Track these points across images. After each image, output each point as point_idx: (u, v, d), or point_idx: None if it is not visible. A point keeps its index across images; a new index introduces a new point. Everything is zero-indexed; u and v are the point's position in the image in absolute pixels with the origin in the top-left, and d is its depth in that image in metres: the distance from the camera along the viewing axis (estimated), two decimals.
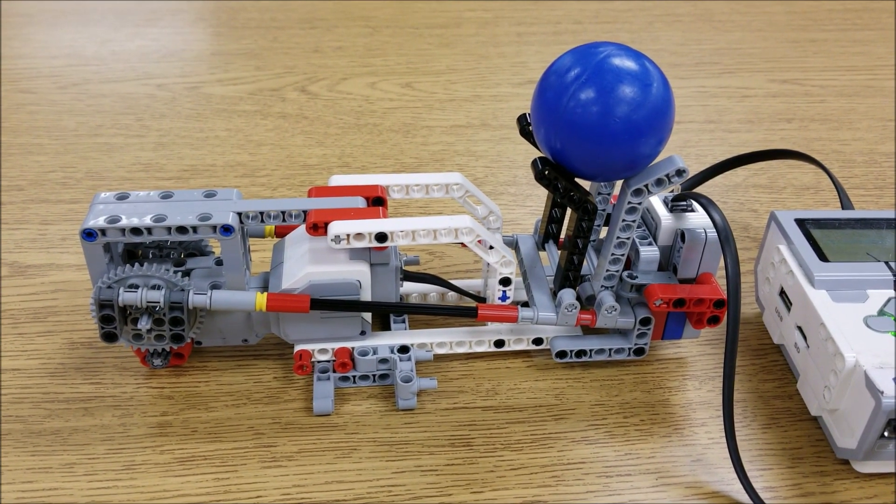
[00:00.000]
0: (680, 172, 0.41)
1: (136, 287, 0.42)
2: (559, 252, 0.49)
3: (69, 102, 0.76)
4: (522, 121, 0.46)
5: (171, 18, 0.95)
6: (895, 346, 0.40)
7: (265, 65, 0.84)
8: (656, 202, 0.46)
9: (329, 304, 0.43)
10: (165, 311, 0.43)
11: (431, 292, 0.52)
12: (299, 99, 0.78)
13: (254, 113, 0.75)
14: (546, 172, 0.42)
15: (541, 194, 0.64)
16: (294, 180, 0.66)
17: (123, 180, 0.65)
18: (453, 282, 0.51)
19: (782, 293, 0.47)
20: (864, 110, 0.77)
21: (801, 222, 0.48)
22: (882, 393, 0.38)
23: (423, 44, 0.90)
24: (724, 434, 0.41)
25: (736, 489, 0.41)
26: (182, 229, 0.42)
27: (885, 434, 0.39)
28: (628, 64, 0.39)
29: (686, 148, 0.70)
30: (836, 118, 0.76)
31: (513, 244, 0.51)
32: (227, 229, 0.42)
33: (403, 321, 0.50)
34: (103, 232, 0.42)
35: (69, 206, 0.62)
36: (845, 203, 0.54)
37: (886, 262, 0.45)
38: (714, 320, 0.45)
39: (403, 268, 0.51)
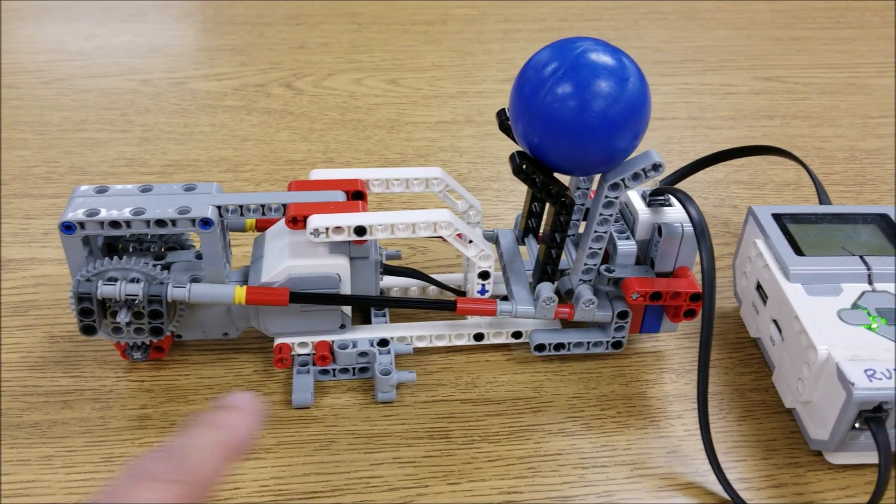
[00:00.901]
0: (656, 167, 0.41)
1: (115, 280, 0.42)
2: (538, 246, 0.49)
3: (53, 97, 0.76)
4: (501, 115, 0.46)
5: (157, 14, 0.95)
6: (867, 339, 0.41)
7: (251, 60, 0.84)
8: (634, 197, 0.47)
9: (308, 298, 0.43)
10: (144, 305, 0.43)
11: (413, 286, 0.52)
12: (284, 95, 0.78)
13: (238, 108, 0.75)
14: (524, 167, 0.42)
15: (523, 189, 0.64)
16: (278, 175, 0.66)
17: (107, 175, 0.65)
18: (434, 276, 0.52)
19: (759, 287, 0.47)
20: (846, 108, 0.78)
21: (777, 217, 0.48)
22: (853, 385, 0.38)
23: (409, 40, 0.90)
24: (699, 426, 0.42)
25: (710, 480, 0.41)
26: (161, 222, 0.42)
27: (857, 425, 0.40)
28: (605, 59, 0.40)
29: (669, 144, 0.70)
30: (818, 115, 0.76)
31: (493, 239, 0.51)
32: (206, 222, 0.42)
33: (384, 315, 0.50)
34: (82, 225, 0.42)
35: (52, 200, 0.62)
36: (823, 198, 0.54)
37: (861, 257, 0.46)
38: (690, 314, 0.45)
39: (384, 262, 0.51)
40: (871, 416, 0.39)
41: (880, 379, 0.39)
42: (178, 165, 0.66)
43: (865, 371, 0.39)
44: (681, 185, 0.63)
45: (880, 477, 0.38)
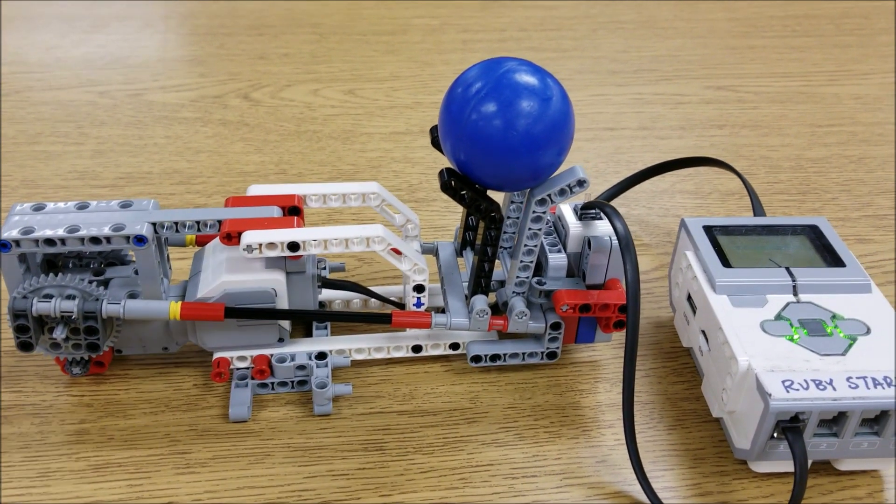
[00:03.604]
0: (581, 182, 0.42)
1: (51, 297, 0.43)
2: (474, 258, 0.50)
3: (10, 110, 0.76)
4: (434, 131, 0.47)
5: (119, 25, 0.95)
6: (787, 349, 0.42)
7: (209, 72, 0.85)
8: (566, 210, 0.48)
9: (243, 313, 0.44)
10: (80, 321, 0.43)
11: (355, 299, 0.52)
12: (241, 106, 0.79)
13: (194, 120, 0.76)
14: (452, 183, 0.43)
15: None
16: (230, 187, 0.66)
17: (59, 188, 0.65)
18: (378, 288, 0.52)
19: (689, 298, 0.48)
20: (795, 116, 0.79)
21: (708, 229, 0.49)
22: (770, 395, 0.39)
23: (368, 51, 0.91)
24: (624, 437, 0.43)
25: (637, 489, 0.42)
26: (95, 240, 0.43)
27: (775, 435, 0.41)
28: (528, 79, 0.40)
29: (617, 154, 0.71)
30: (767, 124, 0.77)
31: (433, 251, 0.52)
32: (140, 240, 0.43)
33: (325, 328, 0.51)
34: (17, 243, 0.42)
35: (3, 215, 0.62)
36: (757, 209, 0.55)
37: (787, 268, 0.47)
38: (620, 324, 0.46)
39: (328, 275, 0.52)
40: (789, 427, 0.40)
41: (797, 390, 0.40)
42: (130, 178, 0.67)
43: (783, 382, 0.40)
44: (626, 195, 0.64)
45: (795, 487, 0.39)
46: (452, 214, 0.64)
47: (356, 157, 0.71)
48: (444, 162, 0.70)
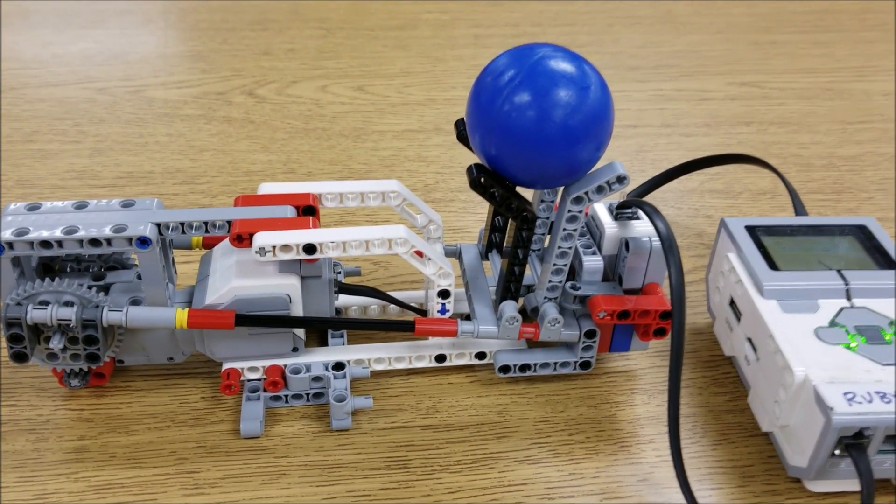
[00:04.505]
0: (621, 179, 0.39)
1: (47, 304, 0.40)
2: (502, 262, 0.47)
3: (5, 108, 0.73)
4: (459, 125, 0.43)
5: (117, 20, 0.92)
6: (846, 359, 0.39)
7: (212, 67, 0.82)
8: (601, 210, 0.44)
9: (255, 321, 0.41)
10: (78, 330, 0.40)
11: (372, 305, 0.49)
12: (246, 103, 0.76)
13: (197, 117, 0.73)
14: (482, 180, 0.39)
15: None
16: (235, 187, 0.63)
17: (56, 188, 0.62)
18: (397, 293, 0.49)
19: (732, 303, 0.45)
20: (824, 113, 0.76)
21: (751, 229, 0.46)
22: (832, 409, 0.36)
23: (377, 46, 0.88)
24: (670, 454, 0.39)
25: None
26: (95, 242, 0.39)
27: (836, 452, 0.37)
28: (564, 66, 0.37)
29: (642, 153, 0.68)
30: (796, 121, 0.74)
31: (456, 254, 0.49)
32: (143, 241, 0.40)
33: (342, 336, 0.48)
34: (11, 245, 0.39)
35: None
36: (799, 209, 0.52)
37: (839, 271, 0.43)
38: (661, 332, 0.43)
39: (341, 280, 0.49)
40: (852, 443, 0.37)
41: (861, 403, 0.36)
42: (130, 177, 0.64)
43: (845, 394, 0.37)
44: (653, 195, 0.61)
45: None
46: (471, 215, 0.61)
47: (368, 155, 0.68)
48: (462, 159, 0.67)
